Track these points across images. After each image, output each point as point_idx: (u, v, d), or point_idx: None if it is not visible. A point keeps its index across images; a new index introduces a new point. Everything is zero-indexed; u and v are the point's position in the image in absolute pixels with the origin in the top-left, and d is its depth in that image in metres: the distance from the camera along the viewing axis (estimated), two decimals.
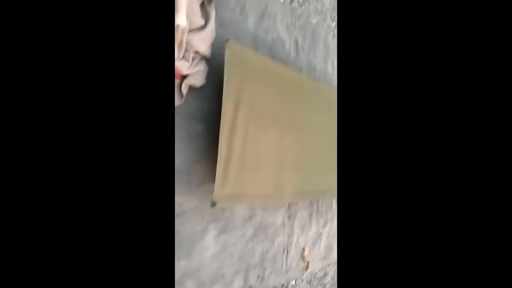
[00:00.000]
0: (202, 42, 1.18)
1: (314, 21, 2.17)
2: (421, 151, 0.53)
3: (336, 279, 2.27)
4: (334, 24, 2.41)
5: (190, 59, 1.12)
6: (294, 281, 1.83)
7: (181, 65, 1.08)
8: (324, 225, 2.16)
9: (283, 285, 1.75)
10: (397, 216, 0.53)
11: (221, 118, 1.20)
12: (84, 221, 0.48)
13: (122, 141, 0.50)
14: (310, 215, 2.01)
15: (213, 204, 1.15)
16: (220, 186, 1.18)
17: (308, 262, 1.93)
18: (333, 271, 2.24)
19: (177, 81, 1.19)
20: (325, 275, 2.15)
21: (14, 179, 0.46)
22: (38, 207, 0.46)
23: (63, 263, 0.47)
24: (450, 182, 0.51)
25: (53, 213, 0.47)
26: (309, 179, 1.70)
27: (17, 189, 0.46)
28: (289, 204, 1.82)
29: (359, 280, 0.53)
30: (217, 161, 1.17)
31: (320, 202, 2.12)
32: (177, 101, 1.21)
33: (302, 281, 1.91)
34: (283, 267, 1.76)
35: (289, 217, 1.81)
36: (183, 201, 1.25)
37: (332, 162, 1.88)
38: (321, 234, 2.11)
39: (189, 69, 1.16)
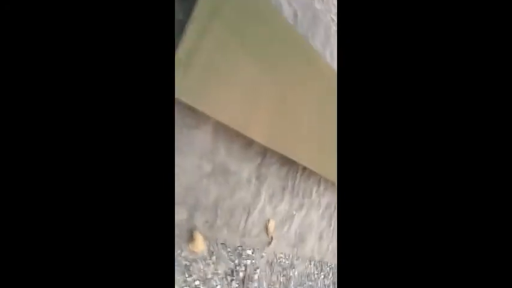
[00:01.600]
0: None
1: (318, 7, 2.24)
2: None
3: (303, 278, 1.94)
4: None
5: None
6: (250, 250, 1.57)
7: None
8: (299, 209, 1.93)
9: (236, 249, 1.49)
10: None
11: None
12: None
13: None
14: (283, 189, 1.81)
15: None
16: (183, 71, 1.08)
17: (272, 238, 1.68)
18: (303, 267, 1.93)
19: None
20: (292, 267, 1.85)
21: (11, 177, 0.45)
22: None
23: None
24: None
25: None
26: (288, 136, 1.57)
27: (13, 185, 0.45)
28: (260, 163, 1.65)
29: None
30: (183, 37, 1.08)
31: (297, 182, 1.92)
32: None
33: (262, 257, 1.63)
34: (240, 228, 1.52)
35: (257, 177, 1.63)
36: None
37: (322, 139, 1.77)
38: (293, 216, 1.87)
39: None
